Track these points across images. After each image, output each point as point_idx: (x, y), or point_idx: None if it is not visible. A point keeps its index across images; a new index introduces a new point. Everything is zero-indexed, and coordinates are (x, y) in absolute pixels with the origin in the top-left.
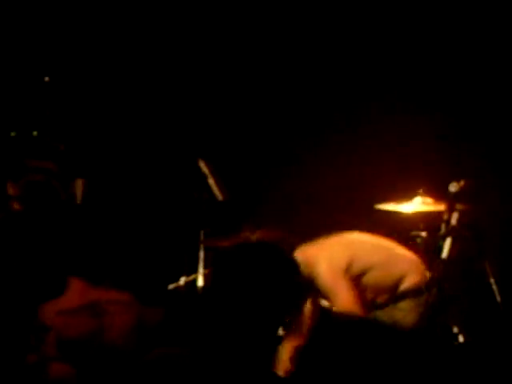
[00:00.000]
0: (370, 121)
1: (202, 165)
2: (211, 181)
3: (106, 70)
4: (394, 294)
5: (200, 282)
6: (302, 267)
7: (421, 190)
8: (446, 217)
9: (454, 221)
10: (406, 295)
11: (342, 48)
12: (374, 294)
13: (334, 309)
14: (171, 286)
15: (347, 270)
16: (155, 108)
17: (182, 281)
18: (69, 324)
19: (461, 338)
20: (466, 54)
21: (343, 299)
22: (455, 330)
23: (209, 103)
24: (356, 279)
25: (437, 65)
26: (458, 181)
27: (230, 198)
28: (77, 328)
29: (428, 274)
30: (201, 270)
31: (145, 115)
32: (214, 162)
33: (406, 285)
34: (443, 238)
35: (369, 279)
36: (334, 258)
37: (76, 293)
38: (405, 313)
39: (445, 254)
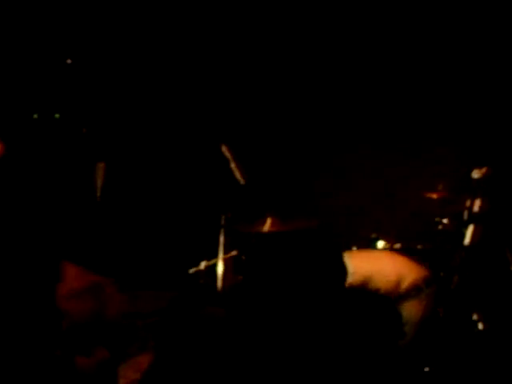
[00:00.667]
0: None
1: (224, 149)
2: (233, 165)
3: (127, 54)
4: (396, 296)
5: (220, 266)
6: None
7: (440, 186)
8: (468, 204)
9: (476, 208)
10: (406, 295)
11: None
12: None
13: None
14: (192, 270)
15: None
16: (179, 92)
17: (203, 265)
18: (77, 307)
19: (480, 326)
20: (474, 48)
21: None
22: (475, 317)
23: (238, 88)
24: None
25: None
26: (480, 167)
27: (252, 184)
28: (83, 310)
29: (427, 271)
30: (221, 254)
31: (169, 99)
32: (237, 147)
33: (405, 285)
34: (465, 225)
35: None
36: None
37: (73, 277)
38: (410, 310)
39: (467, 240)
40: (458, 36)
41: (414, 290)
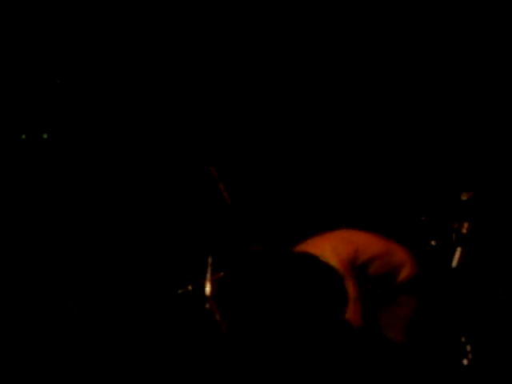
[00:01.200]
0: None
1: (212, 170)
2: (221, 186)
3: (113, 72)
4: (392, 285)
5: (208, 287)
6: None
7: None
8: (456, 226)
9: (464, 230)
10: (403, 288)
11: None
12: (374, 285)
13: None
14: (180, 291)
15: (353, 261)
16: (167, 112)
17: (190, 287)
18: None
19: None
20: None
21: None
22: (463, 339)
23: (226, 109)
24: (360, 270)
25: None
26: (468, 190)
27: (240, 205)
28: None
29: (421, 268)
30: (209, 275)
31: (157, 120)
32: (225, 168)
33: (403, 275)
34: (454, 248)
35: (371, 270)
36: (339, 250)
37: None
38: (405, 308)
39: (455, 263)
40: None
41: (411, 283)
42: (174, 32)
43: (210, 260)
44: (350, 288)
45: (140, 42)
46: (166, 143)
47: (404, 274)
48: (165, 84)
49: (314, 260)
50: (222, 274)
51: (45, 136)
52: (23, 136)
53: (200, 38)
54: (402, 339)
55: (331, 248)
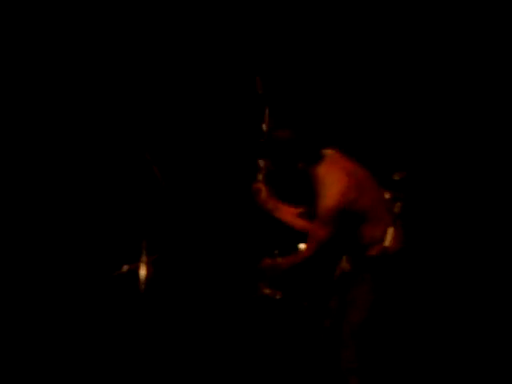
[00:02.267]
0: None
1: (147, 156)
2: (156, 171)
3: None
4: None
5: (143, 270)
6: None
7: None
8: (388, 205)
9: (397, 209)
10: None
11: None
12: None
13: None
14: (114, 273)
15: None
16: (103, 98)
17: (125, 268)
18: None
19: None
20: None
21: (325, 207)
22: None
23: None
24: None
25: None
26: (401, 171)
27: (173, 188)
28: None
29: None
30: (143, 258)
31: (91, 105)
32: (159, 151)
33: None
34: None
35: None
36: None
37: None
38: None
39: (387, 242)
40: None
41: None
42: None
43: (144, 243)
44: (336, 196)
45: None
46: (102, 129)
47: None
48: (102, 75)
49: None
50: (156, 256)
51: None
52: None
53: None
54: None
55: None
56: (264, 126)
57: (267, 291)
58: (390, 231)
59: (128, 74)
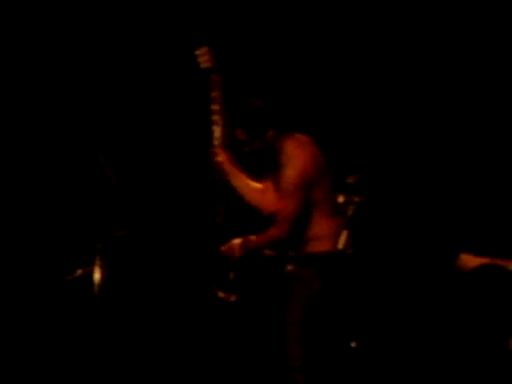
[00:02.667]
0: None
1: (100, 157)
2: (109, 172)
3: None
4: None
5: (97, 273)
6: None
7: None
8: (342, 209)
9: (350, 212)
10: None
11: None
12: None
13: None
14: (68, 277)
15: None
16: (54, 99)
17: (79, 272)
18: None
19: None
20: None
21: (290, 178)
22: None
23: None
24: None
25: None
26: (354, 174)
27: (127, 190)
28: None
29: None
30: (98, 261)
31: (45, 106)
32: (112, 154)
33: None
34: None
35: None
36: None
37: None
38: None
39: (341, 245)
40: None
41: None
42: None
43: (98, 246)
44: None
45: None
46: (56, 130)
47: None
48: (54, 75)
49: None
50: (109, 260)
51: None
52: None
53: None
54: None
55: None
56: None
57: (221, 295)
58: (344, 234)
59: (79, 76)
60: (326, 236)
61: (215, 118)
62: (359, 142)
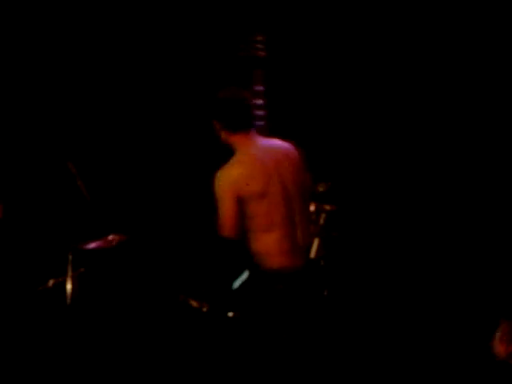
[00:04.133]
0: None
1: (70, 166)
2: (80, 182)
3: None
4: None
5: (69, 284)
6: None
7: None
8: (314, 217)
9: (321, 221)
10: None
11: None
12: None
13: None
14: (40, 288)
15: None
16: (23, 108)
17: (51, 283)
18: None
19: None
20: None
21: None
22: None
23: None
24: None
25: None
26: (325, 181)
27: (98, 200)
28: None
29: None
30: (69, 272)
31: (13, 115)
32: (82, 164)
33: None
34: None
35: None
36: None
37: None
38: None
39: (313, 253)
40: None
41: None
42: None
43: (70, 257)
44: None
45: None
46: (25, 139)
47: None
48: (26, 83)
49: None
50: (82, 269)
51: None
52: None
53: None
54: None
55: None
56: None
57: (194, 303)
58: (316, 242)
59: (50, 85)
60: (272, 252)
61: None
62: (329, 150)
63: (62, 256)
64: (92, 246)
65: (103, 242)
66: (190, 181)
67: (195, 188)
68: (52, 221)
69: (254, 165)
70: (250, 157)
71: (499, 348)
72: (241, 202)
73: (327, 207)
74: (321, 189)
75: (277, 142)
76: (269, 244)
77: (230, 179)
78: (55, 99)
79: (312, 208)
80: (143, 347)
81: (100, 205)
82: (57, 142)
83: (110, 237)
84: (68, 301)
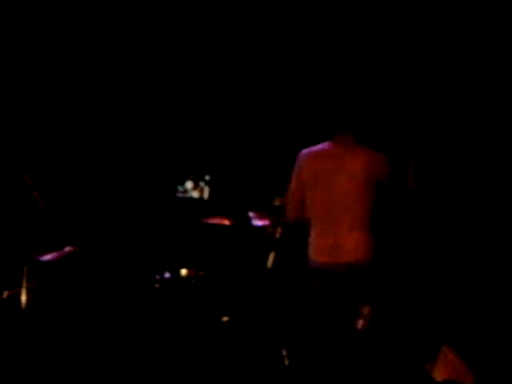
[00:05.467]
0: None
1: (27, 178)
2: (36, 194)
3: None
4: None
5: (24, 295)
6: None
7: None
8: (270, 230)
9: (277, 235)
10: None
11: None
12: None
13: None
14: None
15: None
16: None
17: (5, 294)
18: None
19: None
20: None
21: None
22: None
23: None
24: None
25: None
26: (281, 196)
27: (54, 212)
28: None
29: None
30: (24, 283)
31: None
32: (39, 175)
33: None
34: (268, 251)
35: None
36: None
37: None
38: None
39: (269, 265)
40: None
41: None
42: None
43: (25, 269)
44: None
45: None
46: None
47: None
48: None
49: None
50: (36, 282)
51: None
52: None
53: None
54: None
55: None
56: None
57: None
58: (272, 255)
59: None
60: (312, 249)
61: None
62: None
63: (17, 268)
64: (48, 257)
65: (59, 254)
66: (140, 189)
67: (145, 195)
68: (8, 232)
69: (319, 155)
70: (323, 148)
71: (439, 372)
72: (302, 187)
73: (283, 221)
74: (277, 203)
75: (360, 151)
76: (312, 238)
77: (297, 159)
78: (11, 111)
79: (267, 222)
80: (103, 355)
81: (56, 216)
82: (13, 155)
83: (67, 249)
84: (22, 312)
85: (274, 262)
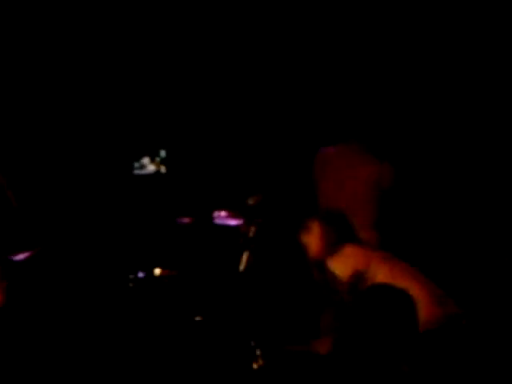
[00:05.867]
0: None
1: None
2: (9, 192)
3: None
4: None
5: None
6: None
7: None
8: (243, 229)
9: (251, 234)
10: None
11: None
12: None
13: None
14: None
15: None
16: None
17: None
18: None
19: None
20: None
21: None
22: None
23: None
24: None
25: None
26: (255, 195)
27: (27, 210)
28: None
29: None
30: None
31: None
32: (12, 172)
33: None
34: (241, 251)
35: None
36: None
37: None
38: None
39: (242, 266)
40: None
41: None
42: None
43: None
44: None
45: None
46: None
47: None
48: None
49: None
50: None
51: None
52: None
53: None
54: None
55: None
56: None
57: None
58: (245, 255)
59: None
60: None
61: None
62: (261, 163)
63: None
64: (20, 257)
65: (31, 253)
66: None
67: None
68: None
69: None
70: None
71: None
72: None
73: (257, 220)
74: (251, 202)
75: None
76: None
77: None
78: None
79: (241, 221)
80: (75, 354)
81: (29, 215)
82: None
83: (39, 248)
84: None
85: (247, 261)
